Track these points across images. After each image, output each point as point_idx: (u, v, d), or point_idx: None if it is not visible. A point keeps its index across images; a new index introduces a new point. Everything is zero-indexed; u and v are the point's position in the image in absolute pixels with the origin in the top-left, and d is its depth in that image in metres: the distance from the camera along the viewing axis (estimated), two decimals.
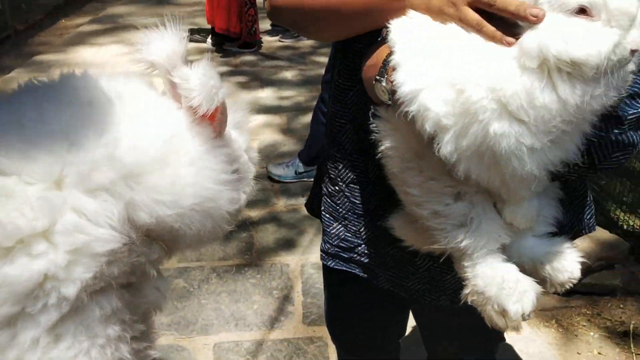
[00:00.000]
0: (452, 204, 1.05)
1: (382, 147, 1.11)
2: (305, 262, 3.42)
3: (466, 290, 1.11)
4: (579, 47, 0.82)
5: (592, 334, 3.02)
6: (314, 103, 4.85)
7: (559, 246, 1.16)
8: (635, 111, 1.04)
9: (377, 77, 1.02)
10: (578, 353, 2.89)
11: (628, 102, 1.04)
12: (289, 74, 6.49)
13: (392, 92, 1.00)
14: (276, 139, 4.93)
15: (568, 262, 1.14)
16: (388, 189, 1.22)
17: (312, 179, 5.07)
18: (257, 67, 6.70)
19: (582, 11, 0.84)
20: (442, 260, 1.17)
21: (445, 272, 1.33)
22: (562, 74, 0.84)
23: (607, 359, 2.86)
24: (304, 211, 3.95)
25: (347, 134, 1.34)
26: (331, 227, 1.44)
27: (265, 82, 6.22)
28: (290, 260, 3.44)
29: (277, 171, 4.28)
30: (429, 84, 0.91)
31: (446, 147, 0.92)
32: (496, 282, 1.05)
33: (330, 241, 1.45)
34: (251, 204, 4.23)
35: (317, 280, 3.23)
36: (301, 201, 4.04)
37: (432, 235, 1.09)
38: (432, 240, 1.11)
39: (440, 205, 1.06)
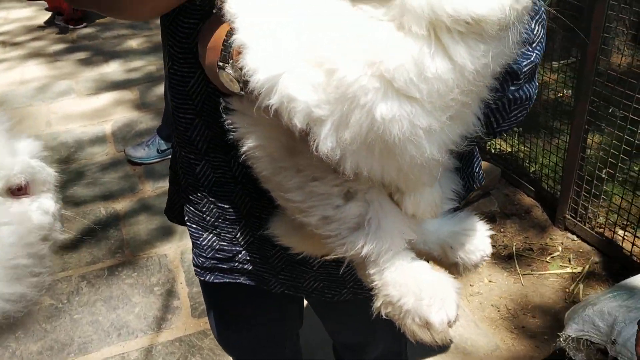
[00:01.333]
0: (343, 206, 0.87)
1: (245, 147, 0.90)
2: (184, 248, 3.15)
3: (377, 302, 0.95)
4: (478, 0, 0.65)
5: None
6: None
7: (465, 222, 1.03)
8: (529, 61, 0.91)
9: (220, 64, 0.80)
10: (471, 285, 2.94)
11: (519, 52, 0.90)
12: (134, 43, 5.97)
13: (244, 81, 0.79)
14: (131, 117, 4.51)
15: (478, 240, 1.02)
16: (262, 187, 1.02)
17: None
18: (98, 40, 6.09)
19: None
20: None
21: (342, 265, 1.17)
22: (453, 34, 0.67)
23: (497, 285, 2.93)
24: None
25: (198, 131, 1.10)
26: (201, 239, 1.21)
27: (109, 55, 5.67)
28: (168, 249, 3.16)
29: (137, 153, 3.91)
30: (290, 67, 0.70)
31: (325, 143, 0.73)
32: (412, 290, 0.90)
33: (204, 254, 1.23)
34: (114, 194, 3.82)
35: None
36: None
37: (325, 242, 0.92)
38: (327, 247, 0.93)
39: (329, 209, 0.87)
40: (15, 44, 6.11)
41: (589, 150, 3.10)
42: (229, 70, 0.80)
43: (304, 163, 0.86)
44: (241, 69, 0.74)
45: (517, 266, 3.03)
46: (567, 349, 2.19)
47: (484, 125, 0.92)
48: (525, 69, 0.92)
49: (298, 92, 0.70)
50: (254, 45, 0.72)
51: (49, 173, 0.93)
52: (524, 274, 2.99)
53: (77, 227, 3.32)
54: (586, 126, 2.95)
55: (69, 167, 3.89)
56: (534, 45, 0.92)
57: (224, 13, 0.78)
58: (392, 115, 0.68)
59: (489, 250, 1.05)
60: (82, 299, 2.86)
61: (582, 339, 2.16)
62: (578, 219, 3.16)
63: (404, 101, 0.68)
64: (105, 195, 3.60)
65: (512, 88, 0.92)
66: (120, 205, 3.50)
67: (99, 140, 4.21)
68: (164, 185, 3.70)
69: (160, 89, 4.85)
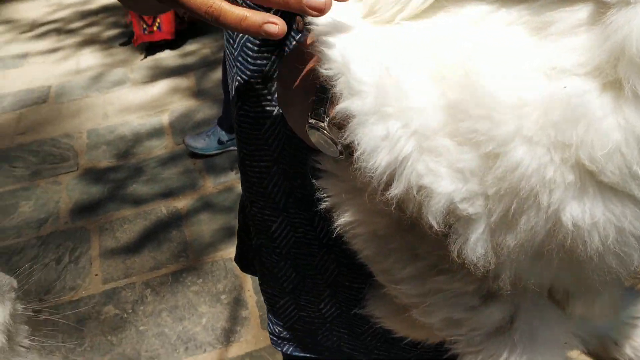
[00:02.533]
0: (479, 307, 0.62)
1: (340, 221, 0.66)
2: None
3: None
4: None
5: None
6: (223, 54, 4.28)
7: (631, 309, 0.77)
8: None
9: (312, 122, 0.57)
10: None
11: None
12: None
13: (345, 145, 0.55)
14: (188, 106, 4.34)
15: None
16: (352, 250, 0.79)
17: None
18: None
19: None
20: None
21: None
22: None
23: None
24: (238, 188, 3.50)
25: (275, 182, 0.87)
26: (277, 306, 1.00)
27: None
28: (233, 253, 2.98)
29: (198, 143, 3.74)
30: (424, 145, 0.46)
31: (474, 248, 0.48)
32: None
33: (281, 322, 1.01)
34: (175, 191, 3.63)
35: None
36: (232, 176, 3.55)
37: (449, 345, 0.68)
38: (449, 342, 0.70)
39: (460, 310, 0.63)
40: (70, 31, 6.04)
41: None
42: (325, 131, 0.56)
43: (424, 248, 0.62)
44: (346, 139, 0.51)
45: None
46: None
47: None
48: None
49: (436, 181, 0.46)
50: (368, 111, 0.48)
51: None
52: None
53: (138, 228, 3.20)
54: None
55: (128, 162, 3.77)
56: None
57: (318, 53, 0.53)
58: (591, 222, 0.43)
59: None
60: (147, 309, 2.73)
61: None
62: None
63: (612, 200, 0.43)
64: (165, 193, 3.46)
65: None
66: (182, 204, 3.36)
67: (157, 132, 4.08)
68: (226, 180, 3.53)
69: (215, 75, 4.66)
